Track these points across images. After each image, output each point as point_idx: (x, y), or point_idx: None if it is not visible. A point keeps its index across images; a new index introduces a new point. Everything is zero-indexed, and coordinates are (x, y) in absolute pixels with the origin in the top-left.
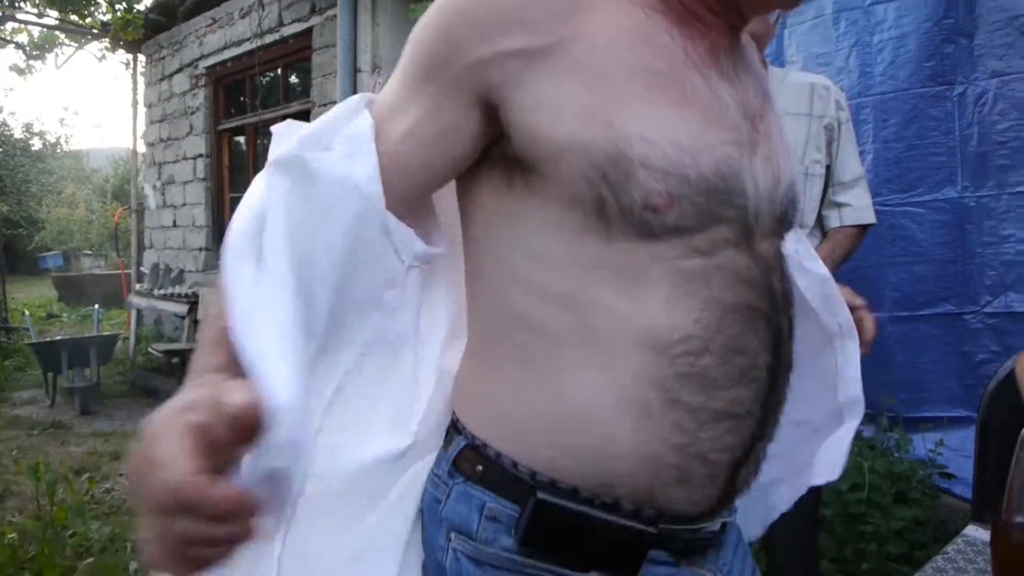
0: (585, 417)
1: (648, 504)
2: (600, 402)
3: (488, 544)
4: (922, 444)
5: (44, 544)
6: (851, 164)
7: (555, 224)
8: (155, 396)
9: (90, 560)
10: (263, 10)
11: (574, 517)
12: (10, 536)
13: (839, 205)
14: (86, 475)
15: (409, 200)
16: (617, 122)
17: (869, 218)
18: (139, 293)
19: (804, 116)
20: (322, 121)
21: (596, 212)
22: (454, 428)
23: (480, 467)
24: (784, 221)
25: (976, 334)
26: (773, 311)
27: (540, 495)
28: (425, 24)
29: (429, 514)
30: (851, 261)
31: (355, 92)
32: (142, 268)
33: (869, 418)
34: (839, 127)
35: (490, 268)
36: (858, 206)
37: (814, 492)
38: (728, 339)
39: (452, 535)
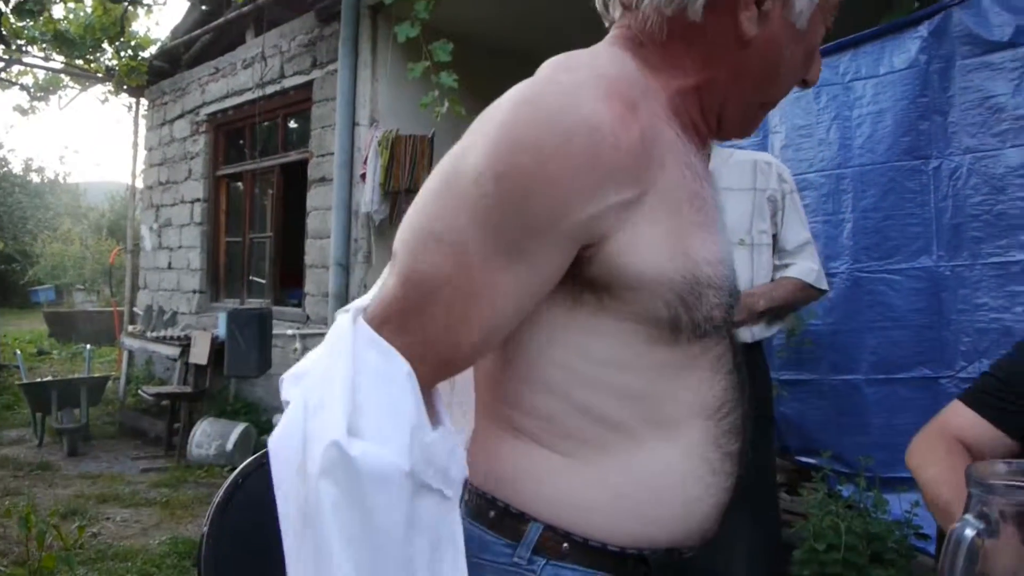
0: (668, 486)
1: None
2: (678, 473)
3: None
4: (898, 504)
5: None
6: (795, 232)
7: (629, 335)
8: (143, 438)
9: None
10: (265, 63)
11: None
12: None
13: (784, 267)
14: (75, 524)
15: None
16: (691, 252)
17: (809, 277)
18: (131, 334)
19: (748, 191)
20: (347, 376)
21: (670, 327)
22: (512, 517)
23: (566, 545)
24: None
25: (951, 398)
26: (738, 368)
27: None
28: (517, 178)
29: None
30: (831, 325)
31: (353, 144)
32: (135, 308)
33: (846, 478)
34: (782, 198)
35: (549, 371)
36: (801, 266)
37: (782, 549)
38: (734, 398)
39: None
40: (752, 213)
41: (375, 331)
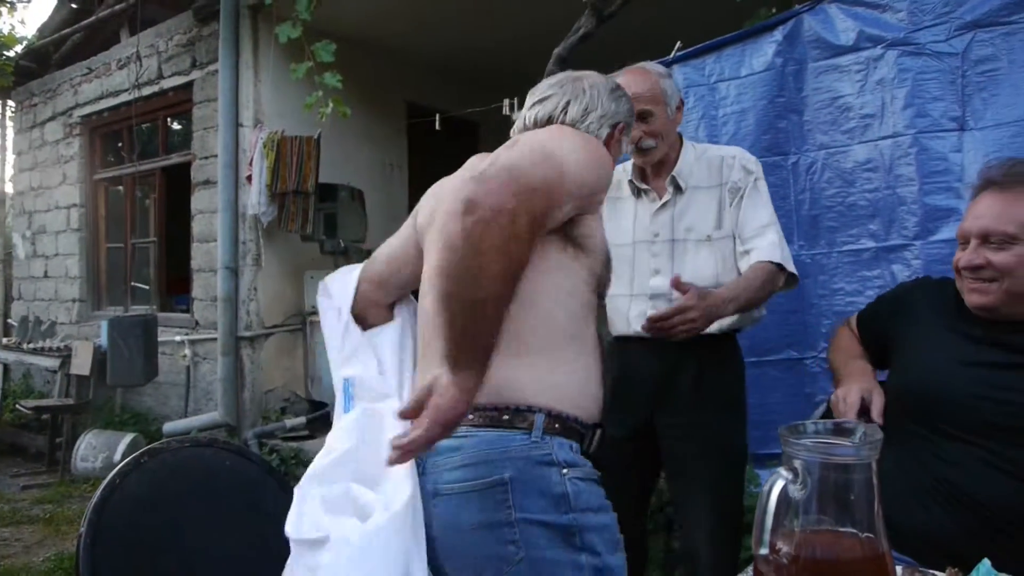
0: (594, 380)
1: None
2: (595, 372)
3: (583, 467)
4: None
5: None
6: (754, 216)
7: (583, 278)
8: (23, 454)
9: None
10: (141, 64)
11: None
12: None
13: (746, 253)
14: None
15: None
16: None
17: (774, 255)
18: (6, 347)
19: (716, 187)
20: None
21: (597, 280)
22: (526, 411)
23: (557, 425)
24: None
25: (815, 377)
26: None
27: (598, 431)
28: (595, 161)
29: (525, 466)
30: None
31: (237, 146)
32: (9, 320)
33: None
34: (745, 188)
35: (539, 293)
36: (761, 247)
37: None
38: (605, 334)
39: (566, 470)
40: (719, 209)
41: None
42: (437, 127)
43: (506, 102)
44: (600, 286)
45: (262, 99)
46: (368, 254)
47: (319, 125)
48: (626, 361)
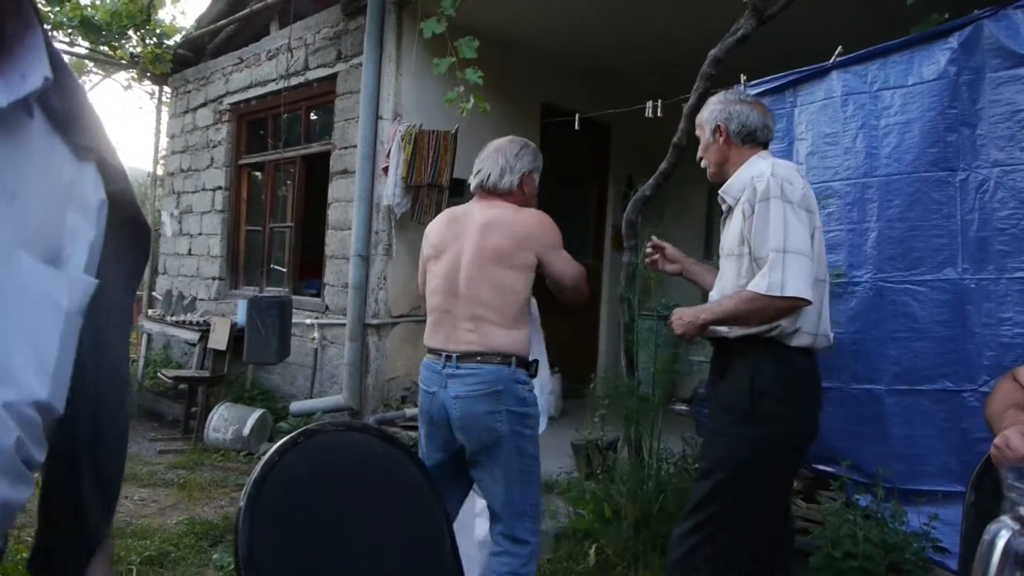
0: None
1: None
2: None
3: (530, 384)
4: (916, 517)
5: None
6: (759, 243)
7: (529, 285)
8: (161, 420)
9: None
10: (291, 55)
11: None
12: (24, 555)
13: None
14: None
15: None
16: None
17: (759, 288)
18: (151, 318)
19: (740, 207)
20: None
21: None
22: (506, 356)
23: (521, 363)
24: None
25: (974, 412)
26: None
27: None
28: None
29: (507, 384)
30: (853, 334)
31: (376, 138)
32: (154, 293)
33: (864, 487)
34: (752, 208)
35: (521, 295)
36: (758, 279)
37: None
38: None
39: (525, 385)
40: (740, 226)
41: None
42: (576, 127)
43: (649, 104)
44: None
45: (402, 93)
46: None
47: (457, 120)
48: None
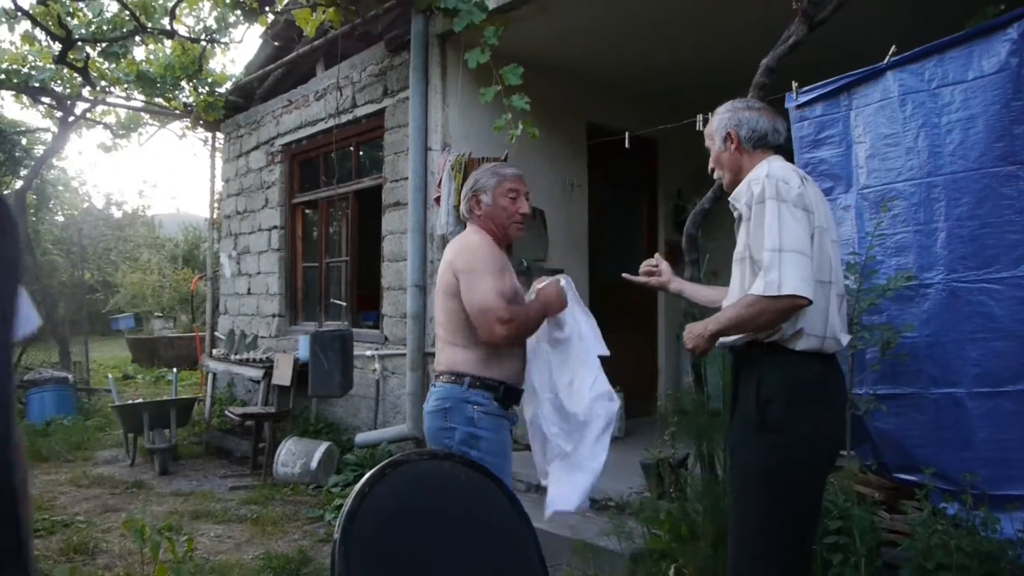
0: (495, 361)
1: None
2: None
3: (487, 406)
4: (1010, 524)
5: None
6: (756, 245)
7: None
8: (229, 457)
9: None
10: (340, 93)
11: (512, 389)
12: None
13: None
14: (184, 536)
15: None
16: (513, 281)
17: (756, 290)
18: (215, 357)
19: (741, 211)
20: None
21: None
22: (459, 376)
23: (478, 383)
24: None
25: None
26: None
27: (505, 386)
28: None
29: (455, 403)
30: (928, 337)
31: (426, 169)
32: (217, 333)
33: (951, 495)
34: (749, 211)
35: (463, 314)
36: (757, 281)
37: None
38: None
39: (475, 407)
40: (744, 231)
41: None
42: (627, 145)
43: (699, 117)
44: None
45: (450, 123)
46: (550, 273)
47: (505, 146)
48: None
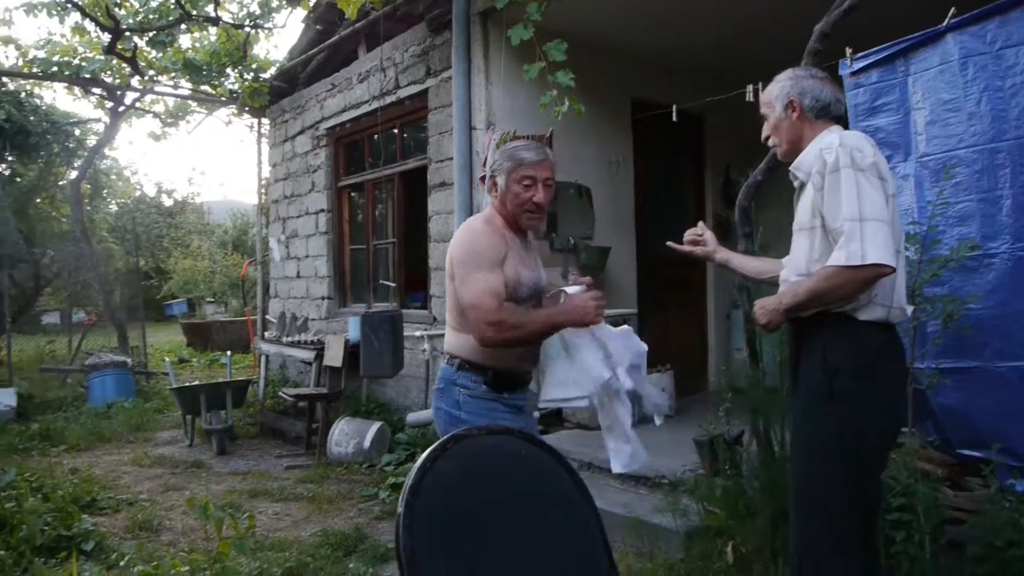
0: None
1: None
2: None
3: (475, 390)
4: None
5: None
6: (832, 215)
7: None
8: (283, 437)
9: None
10: (384, 75)
11: (505, 373)
12: (183, 569)
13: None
14: (245, 513)
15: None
16: (518, 272)
17: (838, 261)
18: (267, 340)
19: (811, 179)
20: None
21: (508, 296)
22: (452, 357)
23: (467, 365)
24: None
25: None
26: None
27: (494, 370)
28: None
29: (447, 384)
30: (992, 309)
31: (471, 148)
32: (268, 316)
33: (1019, 471)
34: (822, 180)
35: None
36: (836, 252)
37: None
38: None
39: (461, 390)
40: (812, 200)
41: None
42: (674, 118)
43: (749, 88)
44: (510, 297)
45: (493, 101)
46: (597, 251)
47: (550, 123)
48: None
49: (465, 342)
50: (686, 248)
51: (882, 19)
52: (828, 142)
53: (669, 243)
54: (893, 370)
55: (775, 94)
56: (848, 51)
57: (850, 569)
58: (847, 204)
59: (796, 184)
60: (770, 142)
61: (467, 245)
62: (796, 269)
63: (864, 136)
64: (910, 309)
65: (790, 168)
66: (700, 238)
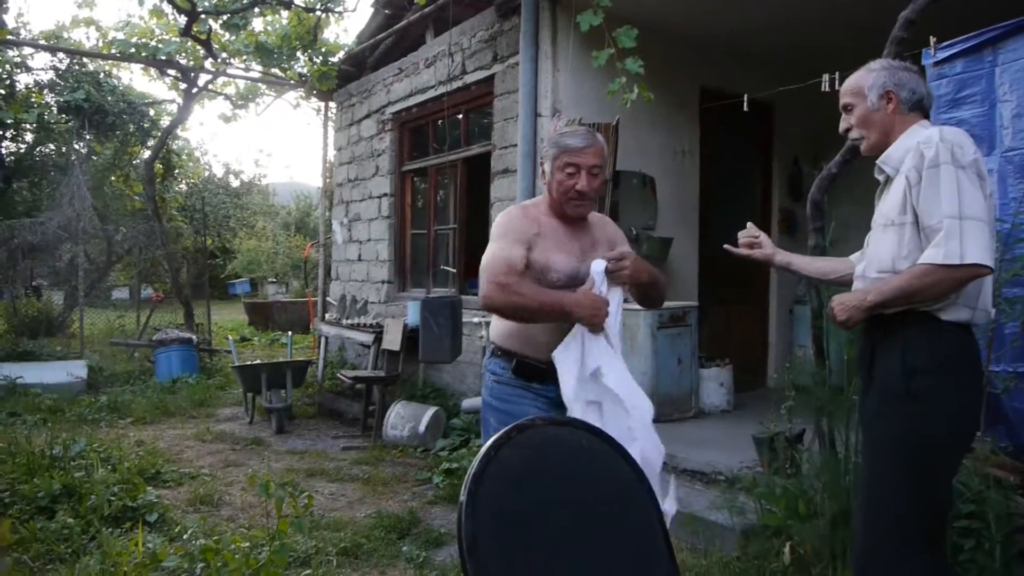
0: (515, 331)
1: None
2: (519, 328)
3: (502, 375)
4: None
5: (272, 553)
6: (929, 211)
7: (533, 279)
8: (340, 418)
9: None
10: (452, 60)
11: (527, 362)
12: (243, 545)
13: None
14: (303, 492)
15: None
16: (548, 257)
17: (935, 259)
18: (327, 322)
19: (903, 174)
20: None
21: (539, 282)
22: (490, 343)
23: (499, 352)
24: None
25: None
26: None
27: (518, 358)
28: (500, 232)
29: (485, 371)
30: None
31: (535, 135)
32: (328, 298)
33: None
34: (918, 175)
35: None
36: (932, 250)
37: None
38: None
39: (491, 376)
40: (903, 194)
41: None
42: (745, 108)
43: (825, 77)
44: (538, 280)
45: (560, 88)
46: (659, 242)
47: (618, 111)
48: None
49: (499, 327)
50: (743, 251)
51: (966, 7)
52: (927, 136)
53: (726, 246)
54: (971, 373)
55: (868, 84)
56: (932, 40)
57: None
58: (947, 201)
59: (881, 178)
60: (852, 134)
61: (496, 224)
62: (879, 265)
63: (963, 132)
64: (994, 312)
65: (877, 161)
66: (756, 240)
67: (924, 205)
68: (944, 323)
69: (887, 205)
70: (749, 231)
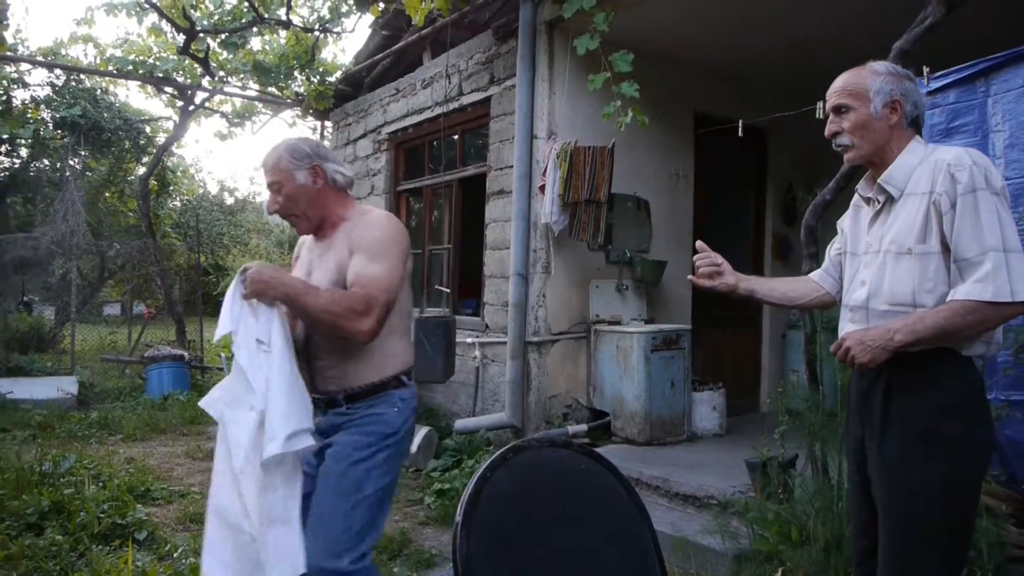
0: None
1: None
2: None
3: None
4: None
5: None
6: (968, 241)
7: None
8: None
9: None
10: (449, 81)
11: None
12: None
13: (962, 281)
14: None
15: None
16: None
17: (983, 295)
18: None
19: (927, 195)
20: None
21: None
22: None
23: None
24: None
25: None
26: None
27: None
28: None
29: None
30: None
31: (531, 157)
32: None
33: None
34: (952, 202)
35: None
36: (970, 285)
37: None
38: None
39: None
40: (926, 220)
41: None
42: (740, 134)
43: (819, 104)
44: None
45: (556, 111)
46: (653, 264)
47: (614, 135)
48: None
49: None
50: (705, 283)
51: (958, 38)
52: (956, 157)
53: (691, 278)
54: (988, 407)
55: (873, 88)
56: (926, 70)
57: None
58: (989, 232)
59: (879, 199)
60: (840, 139)
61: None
62: (893, 298)
63: (983, 153)
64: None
65: (879, 181)
66: (717, 268)
67: (961, 235)
68: (963, 358)
69: (898, 231)
70: (705, 257)
